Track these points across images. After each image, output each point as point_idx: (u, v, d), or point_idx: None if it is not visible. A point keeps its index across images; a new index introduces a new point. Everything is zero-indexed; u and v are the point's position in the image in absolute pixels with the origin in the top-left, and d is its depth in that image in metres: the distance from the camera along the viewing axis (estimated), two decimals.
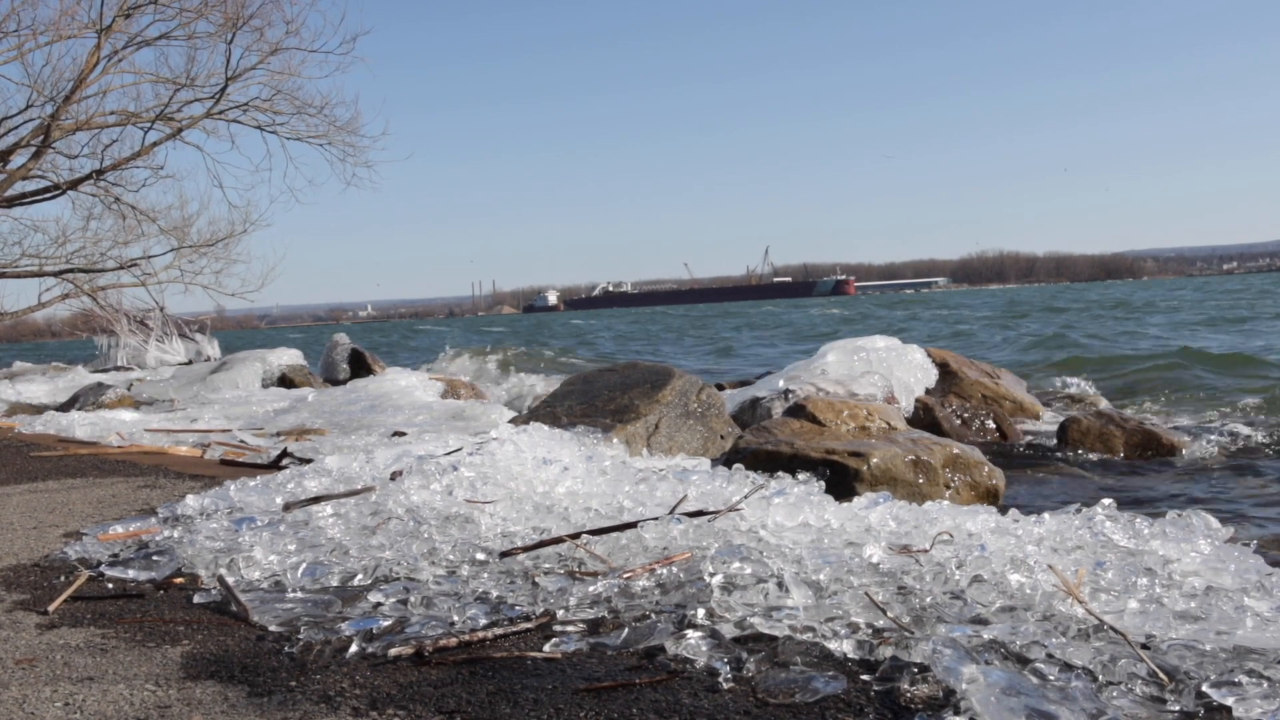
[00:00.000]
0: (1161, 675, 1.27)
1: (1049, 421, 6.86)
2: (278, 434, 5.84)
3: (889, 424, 5.23)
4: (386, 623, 1.65)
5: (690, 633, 1.49)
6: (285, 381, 11.91)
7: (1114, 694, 1.24)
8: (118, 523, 2.61)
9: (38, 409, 8.98)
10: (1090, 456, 5.87)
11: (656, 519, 2.01)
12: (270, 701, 1.35)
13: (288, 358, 12.65)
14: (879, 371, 6.23)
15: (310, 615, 1.74)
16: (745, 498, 2.12)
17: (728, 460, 4.22)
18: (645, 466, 2.84)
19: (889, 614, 1.52)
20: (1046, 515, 1.97)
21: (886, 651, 1.40)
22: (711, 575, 1.69)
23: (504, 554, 1.96)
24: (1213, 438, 6.72)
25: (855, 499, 2.18)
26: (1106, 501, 1.98)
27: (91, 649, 1.60)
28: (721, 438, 5.01)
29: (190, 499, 2.62)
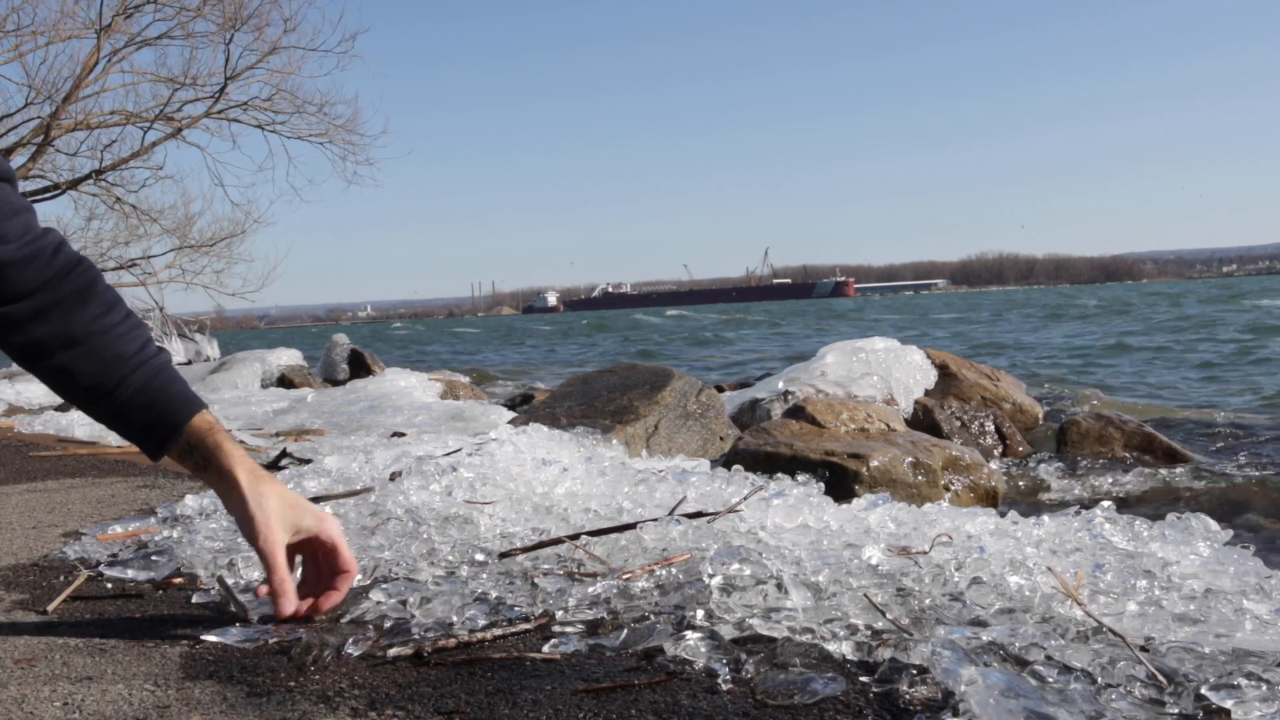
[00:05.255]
0: (1160, 677, 1.27)
1: (1048, 423, 6.87)
2: (277, 434, 5.84)
3: (888, 425, 5.23)
4: (386, 623, 1.65)
5: (689, 634, 1.49)
6: (284, 382, 11.92)
7: (1113, 696, 1.24)
8: (117, 523, 2.61)
9: (37, 409, 8.98)
10: (1089, 458, 5.88)
11: (656, 520, 2.01)
12: (269, 701, 1.35)
13: (287, 358, 12.66)
14: (878, 373, 6.24)
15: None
16: (744, 499, 2.12)
17: (727, 461, 4.22)
18: (645, 468, 2.84)
19: (888, 616, 1.52)
20: (1045, 517, 1.97)
21: (885, 653, 1.40)
22: (711, 576, 1.69)
23: (503, 555, 1.96)
24: (1212, 440, 6.72)
25: (854, 500, 2.18)
26: (1105, 504, 1.98)
27: (90, 649, 1.60)
28: (721, 439, 5.01)
29: (189, 499, 2.62)
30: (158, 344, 1.67)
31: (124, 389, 1.58)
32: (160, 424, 1.60)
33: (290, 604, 1.63)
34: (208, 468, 1.63)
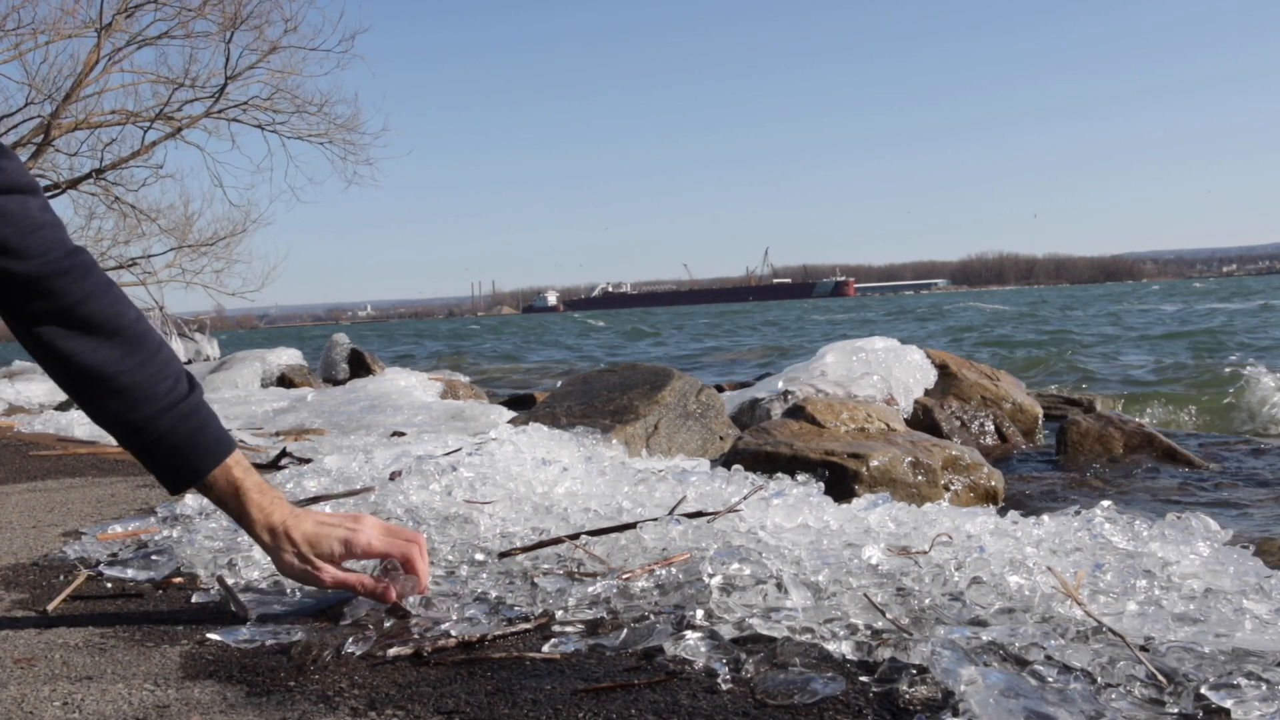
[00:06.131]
0: (1160, 677, 1.27)
1: (1048, 423, 6.86)
2: (277, 434, 5.84)
3: (888, 425, 5.23)
4: (386, 623, 1.65)
5: (689, 634, 1.49)
6: (284, 381, 11.91)
7: (1113, 696, 1.24)
8: (116, 522, 2.61)
9: (36, 409, 8.98)
10: (1089, 458, 5.87)
11: (655, 520, 2.01)
12: (269, 701, 1.35)
13: (287, 357, 12.65)
14: (878, 372, 6.23)
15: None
16: (744, 499, 2.12)
17: (727, 461, 4.21)
18: (644, 467, 2.84)
19: (888, 615, 1.52)
20: (1045, 517, 1.97)
21: (885, 653, 1.41)
22: (710, 576, 1.69)
23: (503, 554, 1.96)
24: (1212, 440, 6.72)
25: (854, 500, 2.18)
26: (1105, 503, 1.98)
27: (90, 648, 1.60)
28: (720, 439, 5.01)
29: (189, 498, 2.62)
30: (189, 379, 1.66)
31: (152, 429, 1.58)
32: (184, 469, 1.61)
33: (390, 592, 1.68)
34: (240, 523, 1.67)
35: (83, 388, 1.56)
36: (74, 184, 14.59)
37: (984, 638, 1.41)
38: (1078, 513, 1.96)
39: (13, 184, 1.48)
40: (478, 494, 2.40)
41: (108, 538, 2.39)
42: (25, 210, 1.48)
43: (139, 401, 1.57)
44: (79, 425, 6.18)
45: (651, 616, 1.61)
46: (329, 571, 1.65)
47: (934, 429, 6.07)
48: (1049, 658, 1.35)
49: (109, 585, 2.02)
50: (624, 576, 1.75)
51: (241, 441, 4.96)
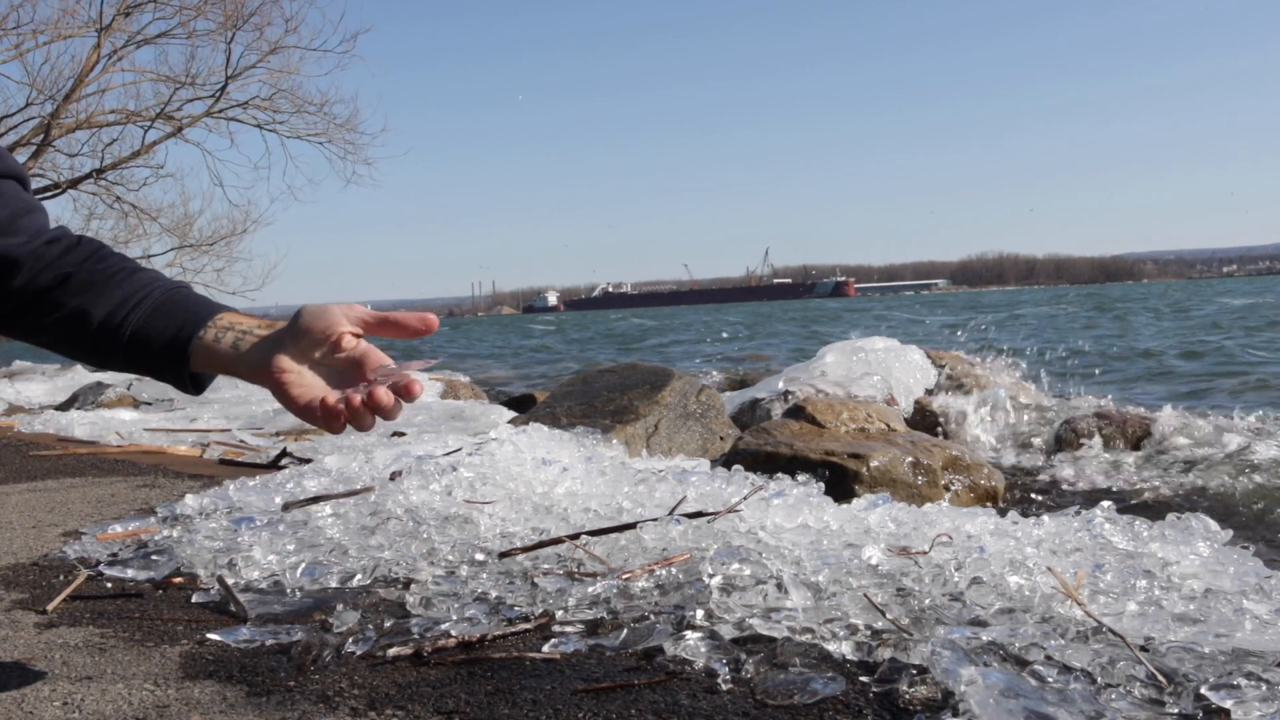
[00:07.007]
0: (1160, 677, 1.27)
1: (1049, 423, 6.85)
2: (277, 434, 5.83)
3: (888, 425, 5.23)
4: (386, 623, 1.65)
5: (689, 634, 1.49)
6: None
7: (1113, 696, 1.24)
8: (116, 522, 2.61)
9: (36, 409, 8.98)
10: (1090, 457, 5.87)
11: (656, 520, 2.01)
12: (269, 701, 1.35)
13: None
14: (878, 372, 6.23)
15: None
16: (744, 499, 2.12)
17: (727, 461, 4.21)
18: (644, 467, 2.84)
19: (888, 616, 1.52)
20: (1045, 517, 1.97)
21: (885, 653, 1.41)
22: (710, 576, 1.69)
23: (503, 554, 1.96)
24: (1213, 440, 6.71)
25: (854, 500, 2.18)
26: (1105, 504, 1.99)
27: (90, 648, 1.60)
28: (721, 439, 5.01)
29: (189, 498, 2.62)
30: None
31: (159, 285, 1.43)
32: (203, 308, 1.40)
33: (331, 420, 1.24)
34: (247, 350, 1.35)
35: (67, 302, 1.46)
36: (74, 184, 14.59)
37: (984, 638, 1.41)
38: (1078, 513, 1.96)
39: (8, 170, 1.51)
40: (478, 494, 2.40)
41: (108, 538, 2.39)
42: (18, 194, 1.52)
43: (129, 292, 1.45)
44: (79, 425, 6.19)
45: (651, 616, 1.61)
46: (295, 404, 1.29)
47: (934, 428, 6.08)
48: (1049, 658, 1.35)
49: (109, 585, 2.02)
50: (624, 576, 1.75)
51: (242, 442, 4.96)
